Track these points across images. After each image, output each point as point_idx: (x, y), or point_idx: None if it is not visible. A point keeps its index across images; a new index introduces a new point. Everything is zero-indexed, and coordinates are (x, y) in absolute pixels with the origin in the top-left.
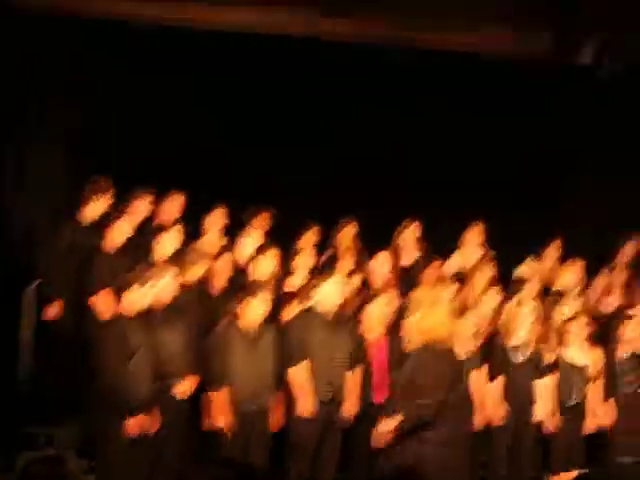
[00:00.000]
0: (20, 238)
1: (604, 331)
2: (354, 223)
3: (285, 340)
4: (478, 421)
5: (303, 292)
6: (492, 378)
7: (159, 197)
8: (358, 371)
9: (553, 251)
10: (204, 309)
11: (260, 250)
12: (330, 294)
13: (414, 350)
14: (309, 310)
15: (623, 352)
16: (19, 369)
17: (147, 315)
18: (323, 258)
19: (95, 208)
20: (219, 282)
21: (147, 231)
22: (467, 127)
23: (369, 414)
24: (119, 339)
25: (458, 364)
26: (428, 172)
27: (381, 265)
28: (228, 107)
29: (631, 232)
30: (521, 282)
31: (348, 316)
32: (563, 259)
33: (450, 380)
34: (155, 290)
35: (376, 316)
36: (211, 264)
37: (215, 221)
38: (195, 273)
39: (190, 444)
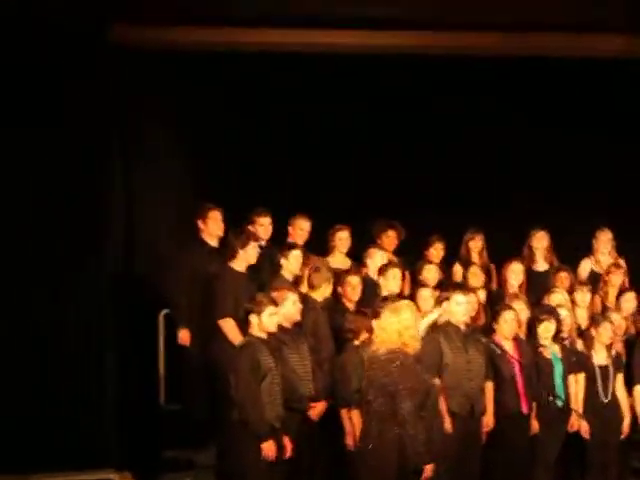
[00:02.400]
0: (150, 266)
1: None
2: (481, 235)
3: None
4: (626, 427)
5: (434, 305)
6: (638, 382)
7: (281, 220)
8: (493, 384)
9: None
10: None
11: (389, 266)
12: (457, 308)
13: None
14: (441, 325)
15: None
16: (158, 395)
17: (276, 338)
18: (454, 271)
19: (214, 232)
20: (351, 300)
21: (269, 254)
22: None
23: (518, 424)
24: (251, 363)
25: None
26: (553, 178)
27: (514, 273)
28: (342, 124)
29: None
30: None
31: (479, 328)
32: None
33: None
34: (284, 312)
35: (511, 328)
36: (342, 282)
37: (342, 240)
38: (323, 293)
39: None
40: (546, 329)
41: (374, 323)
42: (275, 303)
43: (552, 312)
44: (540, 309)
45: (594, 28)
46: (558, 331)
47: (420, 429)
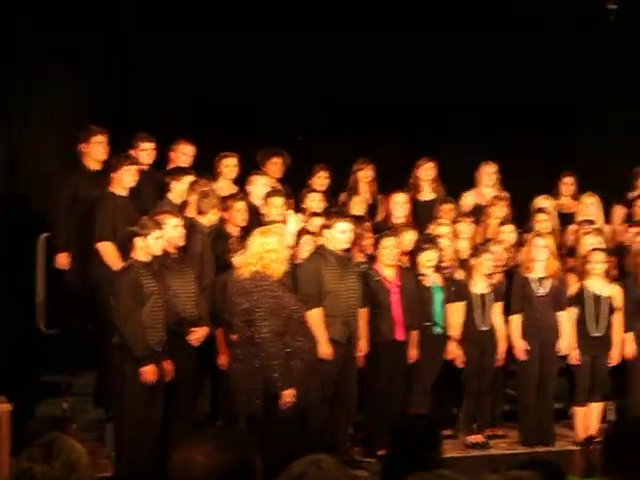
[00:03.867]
0: (30, 189)
1: (623, 263)
2: (371, 165)
3: (301, 279)
4: (501, 354)
5: (316, 233)
6: (514, 312)
7: (167, 145)
8: (366, 310)
9: (568, 186)
10: (218, 253)
11: (273, 193)
12: (339, 235)
13: None
14: (319, 251)
15: None
16: (36, 319)
17: (159, 262)
18: (340, 198)
19: (97, 157)
20: (234, 226)
21: (154, 179)
22: (479, 63)
23: (389, 352)
24: (132, 287)
25: None
26: (441, 113)
27: (399, 204)
28: (233, 54)
29: None
30: (539, 216)
31: (361, 257)
32: (578, 194)
33: None
34: (167, 237)
35: (391, 255)
36: (225, 209)
37: (228, 167)
38: (210, 219)
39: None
40: (427, 258)
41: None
42: (160, 227)
43: (433, 241)
44: (422, 238)
45: None
46: (439, 260)
47: (277, 354)
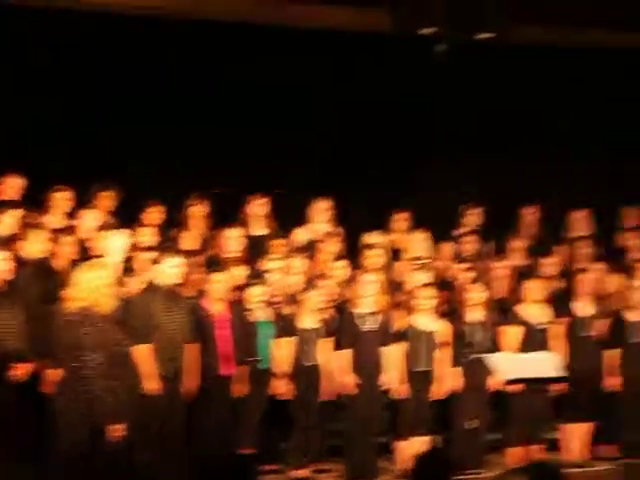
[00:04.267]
0: None
1: (452, 299)
2: (204, 201)
3: (129, 315)
4: (327, 390)
5: (146, 268)
6: (344, 347)
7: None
8: (195, 346)
9: (401, 222)
10: (45, 287)
11: (103, 228)
12: (170, 270)
13: None
14: (150, 286)
15: (469, 319)
16: None
17: None
18: (170, 234)
19: None
20: (62, 259)
21: None
22: (313, 103)
23: (216, 387)
24: None
25: None
26: (277, 148)
27: (231, 239)
28: (67, 88)
29: (472, 203)
30: (368, 252)
31: (190, 292)
32: (411, 231)
33: None
34: None
35: (221, 290)
36: (54, 242)
37: (60, 200)
38: (36, 252)
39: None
40: (255, 293)
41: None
42: None
43: (261, 276)
44: (250, 273)
45: None
46: (269, 295)
47: (103, 389)
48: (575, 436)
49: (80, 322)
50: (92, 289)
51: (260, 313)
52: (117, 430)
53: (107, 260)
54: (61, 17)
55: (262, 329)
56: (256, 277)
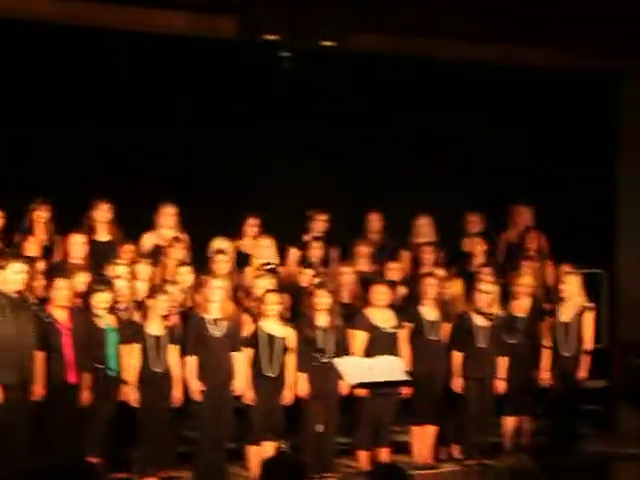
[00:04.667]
0: None
1: (299, 304)
2: (47, 206)
3: None
4: (177, 397)
5: None
6: (190, 353)
7: None
8: (41, 353)
9: (250, 228)
10: None
11: None
12: (13, 277)
13: None
14: None
15: (318, 324)
16: None
17: None
18: (13, 240)
19: None
20: None
21: None
22: (164, 108)
23: (64, 394)
24: None
25: None
26: (120, 155)
27: (76, 245)
28: None
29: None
30: (215, 258)
31: (33, 299)
32: (259, 236)
33: None
34: None
35: (64, 296)
36: None
37: None
38: None
39: None
40: (100, 299)
41: None
42: None
43: (107, 282)
44: (96, 279)
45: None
46: (115, 301)
47: None
48: (421, 438)
49: None
50: None
51: (107, 319)
52: None
53: None
54: None
55: (109, 335)
56: (102, 283)
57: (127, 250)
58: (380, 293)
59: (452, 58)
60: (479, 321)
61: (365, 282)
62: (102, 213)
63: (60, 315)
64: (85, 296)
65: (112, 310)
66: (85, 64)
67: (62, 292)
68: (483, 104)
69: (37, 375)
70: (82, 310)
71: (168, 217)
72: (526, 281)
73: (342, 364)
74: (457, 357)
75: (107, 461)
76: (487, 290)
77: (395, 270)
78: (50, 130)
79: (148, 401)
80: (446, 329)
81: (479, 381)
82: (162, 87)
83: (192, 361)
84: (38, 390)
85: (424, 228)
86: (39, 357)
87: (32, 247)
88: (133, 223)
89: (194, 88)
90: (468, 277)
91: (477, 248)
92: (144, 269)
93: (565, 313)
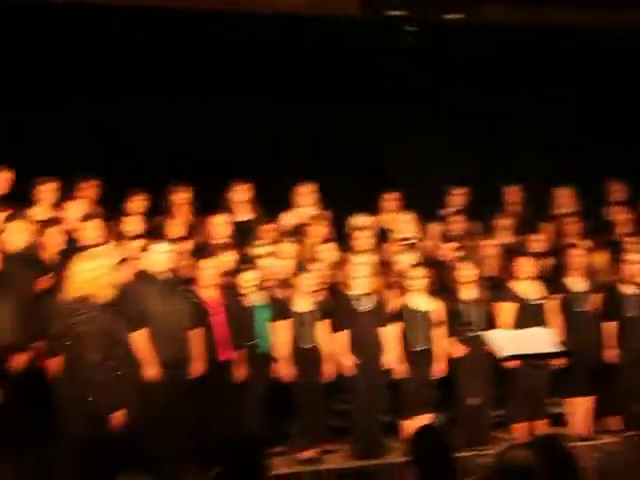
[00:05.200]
0: None
1: (443, 278)
2: (188, 188)
3: (123, 304)
4: (329, 371)
5: (134, 257)
6: (340, 329)
7: None
8: (199, 331)
9: (389, 203)
10: (33, 277)
11: (89, 216)
12: (161, 257)
13: None
14: (142, 274)
15: (463, 297)
16: None
17: None
18: (155, 222)
19: None
20: (49, 250)
21: None
22: (284, 85)
23: (217, 372)
24: None
25: None
26: (257, 134)
27: (218, 225)
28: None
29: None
30: (357, 234)
31: (182, 279)
32: (398, 211)
33: None
34: None
35: (211, 276)
36: (40, 233)
37: (46, 192)
38: (18, 242)
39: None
40: (247, 278)
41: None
42: None
43: (252, 261)
44: (241, 259)
45: None
46: (261, 280)
47: (102, 378)
48: (578, 410)
49: (76, 311)
50: (88, 280)
51: (255, 297)
52: (117, 418)
53: (103, 249)
54: None
55: (258, 313)
56: (247, 262)
57: (269, 229)
58: (525, 265)
59: (586, 26)
60: (628, 290)
61: (509, 254)
62: (241, 193)
63: (207, 294)
64: (232, 275)
65: (260, 288)
66: (220, 45)
67: (208, 272)
68: (621, 70)
69: (194, 353)
70: (230, 289)
71: (306, 196)
72: None
73: (492, 337)
74: (609, 328)
75: (264, 436)
76: (633, 260)
77: (539, 242)
78: (189, 110)
79: (300, 377)
80: (595, 300)
81: (634, 351)
82: (286, 65)
83: (343, 336)
84: (196, 368)
85: (565, 199)
86: (195, 335)
87: (175, 229)
88: (273, 202)
89: (318, 66)
90: (613, 247)
91: (621, 217)
92: (287, 247)
93: None
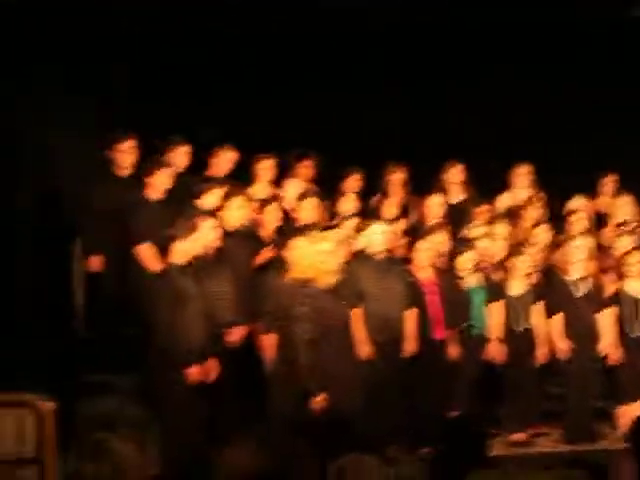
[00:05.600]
0: (67, 191)
1: None
2: (403, 168)
3: (341, 284)
4: (543, 355)
5: (352, 236)
6: (554, 312)
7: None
8: (413, 311)
9: (608, 185)
10: (252, 254)
11: (304, 195)
12: (378, 237)
13: None
14: (360, 253)
15: None
16: (75, 322)
17: (195, 265)
18: (372, 202)
19: (124, 163)
20: (267, 228)
21: (187, 183)
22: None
23: (431, 352)
24: (171, 290)
25: None
26: (473, 114)
27: (434, 206)
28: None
29: None
30: (574, 217)
31: (397, 259)
32: (617, 194)
33: None
34: (203, 239)
35: (427, 258)
36: (259, 211)
37: (265, 170)
38: (237, 219)
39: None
40: (465, 259)
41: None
42: (197, 229)
43: (471, 244)
44: (459, 241)
45: None
46: (478, 262)
47: (314, 358)
48: None
49: (294, 294)
50: (312, 264)
51: (471, 279)
52: (321, 400)
53: (333, 233)
54: None
55: (475, 296)
56: (464, 244)
57: (483, 210)
58: None
59: None
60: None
61: None
62: (455, 174)
63: (423, 275)
64: (448, 256)
65: (476, 270)
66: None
67: (425, 253)
68: None
69: (408, 332)
70: (446, 270)
71: (523, 177)
72: None
73: None
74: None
75: (474, 417)
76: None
77: None
78: (406, 90)
79: (513, 359)
80: None
81: None
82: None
83: (558, 319)
84: (409, 347)
85: None
86: (409, 315)
87: (389, 209)
88: (488, 183)
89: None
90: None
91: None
92: (502, 229)
93: None
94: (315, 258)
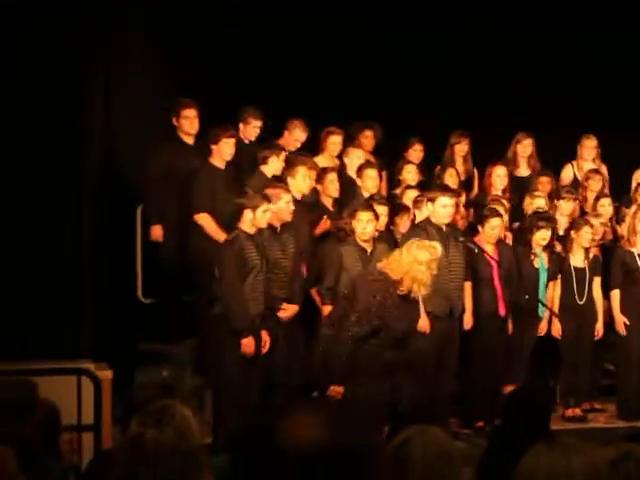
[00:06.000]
0: (130, 159)
1: None
2: (467, 139)
3: None
4: (600, 329)
5: (413, 207)
6: (615, 286)
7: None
8: (472, 284)
9: None
10: (314, 223)
11: (367, 165)
12: (442, 210)
13: None
14: (422, 224)
15: None
16: (135, 289)
17: (262, 235)
18: (435, 172)
19: (188, 130)
20: (329, 197)
21: (251, 152)
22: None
23: (492, 325)
24: (237, 259)
25: None
26: (538, 87)
27: (500, 177)
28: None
29: None
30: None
31: (459, 230)
32: None
33: None
34: (276, 211)
35: (496, 234)
36: (321, 180)
37: (334, 144)
38: (300, 189)
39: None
40: (542, 236)
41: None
42: (269, 200)
43: (550, 220)
44: (538, 216)
45: None
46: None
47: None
48: None
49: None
50: (409, 268)
51: (540, 258)
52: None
53: (436, 245)
54: None
55: (541, 272)
56: (543, 220)
57: (545, 182)
58: None
59: None
60: None
61: None
62: (524, 147)
63: (488, 248)
64: (513, 231)
65: (546, 247)
66: None
67: (496, 230)
68: None
69: (467, 305)
70: (507, 244)
71: (589, 150)
72: None
73: None
74: None
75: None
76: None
77: None
78: (475, 62)
79: (571, 332)
80: None
81: None
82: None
83: (617, 294)
84: (468, 320)
85: None
86: (468, 287)
87: (452, 179)
88: (554, 156)
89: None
90: None
91: None
92: (565, 203)
93: None
94: (414, 267)
